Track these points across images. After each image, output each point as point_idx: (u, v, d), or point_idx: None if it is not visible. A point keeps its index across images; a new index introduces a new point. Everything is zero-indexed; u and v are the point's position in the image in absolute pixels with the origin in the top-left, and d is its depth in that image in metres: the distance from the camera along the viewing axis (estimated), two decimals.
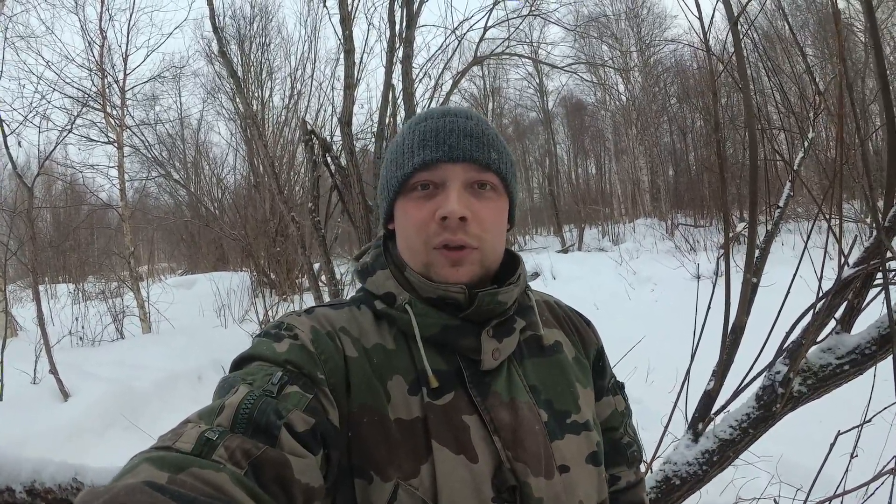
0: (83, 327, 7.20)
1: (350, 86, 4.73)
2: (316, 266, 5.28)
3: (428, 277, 0.72)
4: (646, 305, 7.99)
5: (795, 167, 1.94)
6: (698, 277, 8.37)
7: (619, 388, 0.95)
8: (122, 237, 9.10)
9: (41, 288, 8.03)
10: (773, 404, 1.47)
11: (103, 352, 6.51)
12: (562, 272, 10.68)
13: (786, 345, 1.53)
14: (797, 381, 1.47)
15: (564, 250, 14.82)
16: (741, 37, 1.66)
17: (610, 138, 20.86)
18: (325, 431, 0.60)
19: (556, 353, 0.80)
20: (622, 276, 9.62)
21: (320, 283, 4.80)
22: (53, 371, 4.63)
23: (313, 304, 0.81)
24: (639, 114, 18.02)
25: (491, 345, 0.71)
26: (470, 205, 0.70)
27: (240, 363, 0.65)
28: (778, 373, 1.49)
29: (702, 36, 1.67)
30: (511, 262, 0.81)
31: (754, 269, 1.67)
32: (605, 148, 21.93)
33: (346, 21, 4.95)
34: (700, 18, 1.78)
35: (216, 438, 0.51)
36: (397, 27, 5.04)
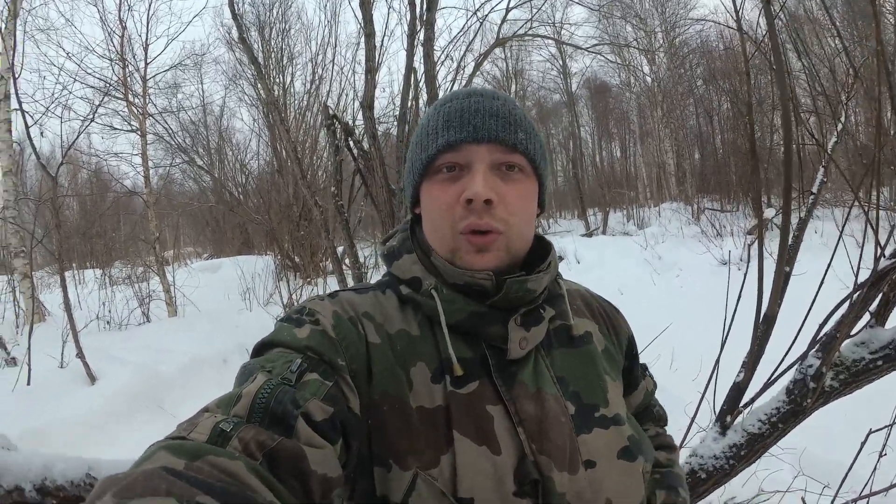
0: (110, 311, 7.34)
1: (371, 69, 4.69)
2: (339, 249, 5.30)
3: (453, 263, 0.70)
4: (671, 291, 7.85)
5: (829, 151, 1.85)
6: (725, 263, 8.19)
7: (646, 368, 0.95)
8: (147, 223, 9.26)
9: (68, 274, 8.24)
10: (803, 399, 1.42)
11: (130, 336, 6.63)
12: (586, 256, 10.55)
13: (818, 337, 1.48)
14: (829, 375, 1.42)
15: (589, 234, 14.70)
16: (774, 15, 1.58)
17: (635, 121, 20.49)
18: (344, 420, 0.59)
19: (585, 345, 0.77)
20: (647, 260, 9.45)
21: (344, 267, 4.81)
22: (80, 355, 4.71)
23: (338, 289, 0.79)
24: (664, 96, 17.64)
25: (518, 333, 0.69)
26: (496, 187, 0.68)
27: (261, 349, 0.64)
28: (810, 366, 1.44)
29: (733, 13, 1.59)
30: (541, 249, 0.78)
31: (787, 257, 1.60)
32: (629, 131, 21.58)
33: (366, 4, 4.90)
34: None
35: (230, 430, 0.50)
36: (418, 9, 4.98)
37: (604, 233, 14.74)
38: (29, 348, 4.76)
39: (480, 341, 0.70)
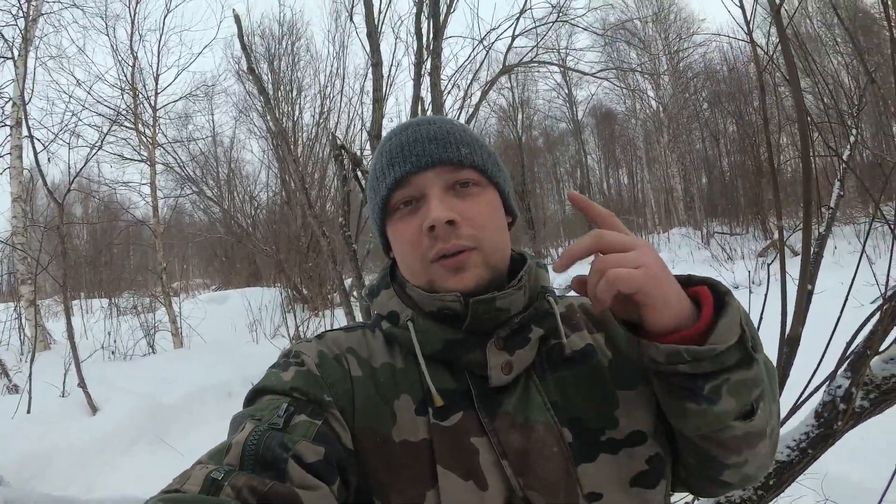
0: (115, 342, 7.31)
1: (378, 99, 4.71)
2: (347, 282, 5.27)
3: (434, 292, 0.68)
4: None
5: (845, 159, 1.79)
6: (737, 287, 8.10)
7: None
8: (155, 253, 9.30)
9: (75, 303, 8.24)
10: (834, 421, 1.33)
11: (134, 366, 6.58)
12: None
13: (846, 355, 1.39)
14: (859, 395, 1.33)
15: None
16: (785, 25, 1.54)
17: (641, 147, 20.59)
18: (339, 458, 0.58)
19: (587, 362, 0.70)
20: None
21: (352, 299, 4.78)
22: (82, 384, 4.68)
23: (333, 327, 0.82)
24: (669, 120, 17.73)
25: (500, 358, 0.65)
26: (455, 206, 0.67)
27: (252, 397, 0.64)
28: (839, 387, 1.35)
29: (743, 27, 1.55)
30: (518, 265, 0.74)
31: (808, 275, 1.53)
32: (636, 157, 21.66)
33: (374, 35, 4.96)
34: (742, 7, 1.67)
35: (221, 478, 0.50)
36: (424, 39, 5.03)
37: None
38: (30, 376, 4.73)
39: (463, 370, 0.67)
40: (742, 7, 1.71)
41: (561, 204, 25.75)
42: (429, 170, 0.68)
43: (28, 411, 4.43)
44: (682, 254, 11.81)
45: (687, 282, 0.60)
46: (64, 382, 5.01)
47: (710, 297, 0.57)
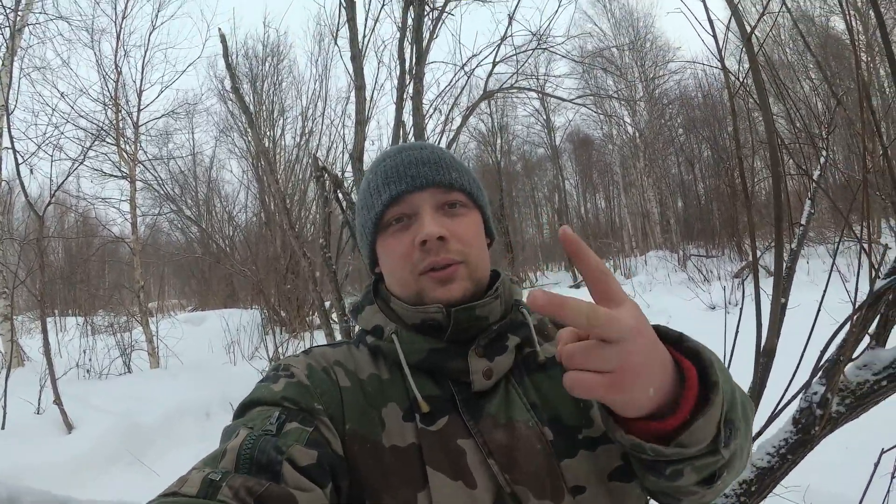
0: (91, 360, 7.17)
1: (361, 121, 4.76)
2: (327, 304, 5.25)
3: (422, 303, 0.72)
4: None
5: (815, 178, 1.89)
6: (714, 308, 8.24)
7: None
8: (132, 272, 9.14)
9: (50, 320, 8.04)
10: (811, 427, 1.39)
11: (110, 385, 6.45)
12: None
13: (821, 364, 1.46)
14: (835, 400, 1.40)
15: (576, 285, 14.78)
16: (756, 50, 1.64)
17: (618, 171, 20.99)
18: (331, 462, 0.60)
19: (559, 366, 0.70)
20: None
21: (331, 321, 4.76)
22: (58, 402, 4.59)
23: (312, 346, 0.83)
24: (646, 146, 18.15)
25: (480, 364, 0.70)
26: (445, 224, 0.72)
27: (242, 410, 0.66)
28: (815, 393, 1.41)
29: (716, 54, 1.65)
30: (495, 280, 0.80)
31: (782, 288, 1.60)
32: (613, 182, 22.04)
33: (358, 59, 5.03)
34: (714, 35, 1.77)
35: (219, 479, 0.52)
36: (407, 64, 5.12)
37: None
38: (5, 391, 4.64)
39: (447, 378, 0.71)
40: (714, 35, 1.82)
41: (539, 228, 26.00)
42: (424, 190, 0.73)
43: (2, 427, 4.34)
44: (660, 276, 11.97)
45: (678, 340, 0.54)
46: (39, 399, 4.91)
47: (694, 387, 0.51)
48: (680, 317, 8.56)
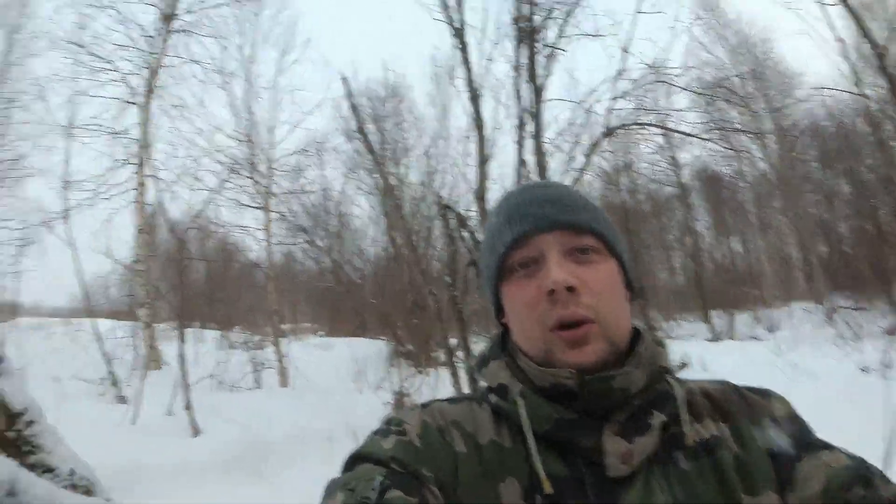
0: (224, 372, 7.66)
1: (482, 161, 4.89)
2: (452, 342, 5.32)
3: (550, 364, 0.64)
4: (808, 403, 6.99)
5: None
6: (865, 370, 7.27)
7: (829, 446, 0.65)
8: (267, 295, 9.90)
9: (190, 331, 8.94)
10: None
11: (239, 398, 6.88)
12: (712, 363, 9.88)
13: None
14: None
15: (714, 338, 13.74)
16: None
17: (753, 211, 19.36)
18: None
19: (711, 455, 0.63)
20: (779, 368, 8.65)
21: (455, 359, 4.80)
22: (189, 406, 4.93)
23: (432, 397, 0.78)
24: (780, 182, 16.62)
25: (618, 445, 0.60)
26: (574, 272, 0.64)
27: (351, 462, 0.62)
28: None
29: (848, 74, 1.51)
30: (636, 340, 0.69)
31: None
32: (748, 223, 20.38)
33: (475, 99, 5.22)
34: (846, 56, 1.63)
35: None
36: (524, 101, 5.20)
37: (731, 337, 13.70)
38: (142, 390, 4.98)
39: (577, 455, 0.61)
40: (846, 56, 1.65)
41: (671, 272, 24.56)
42: (550, 232, 0.66)
43: (133, 422, 4.67)
44: (805, 331, 10.87)
45: None
46: (171, 402, 5.23)
47: None
48: (828, 379, 7.65)
